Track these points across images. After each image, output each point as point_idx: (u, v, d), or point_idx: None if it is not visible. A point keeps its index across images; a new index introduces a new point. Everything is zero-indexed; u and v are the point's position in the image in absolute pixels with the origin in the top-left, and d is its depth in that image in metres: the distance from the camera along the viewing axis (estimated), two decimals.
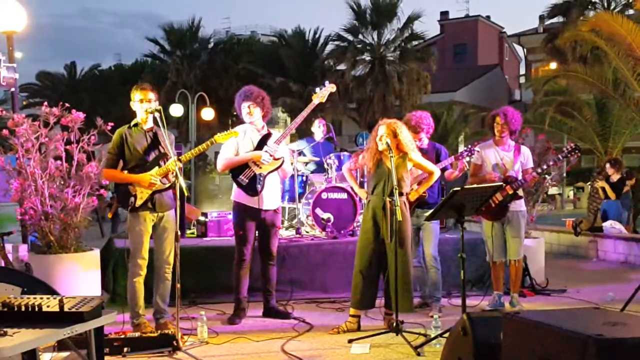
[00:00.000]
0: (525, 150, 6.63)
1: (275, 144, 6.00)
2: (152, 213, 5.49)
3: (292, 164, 7.54)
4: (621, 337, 3.05)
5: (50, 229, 6.17)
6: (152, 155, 5.50)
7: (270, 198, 6.10)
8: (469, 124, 27.99)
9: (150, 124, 5.53)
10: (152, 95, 5.49)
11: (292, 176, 8.26)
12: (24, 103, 32.19)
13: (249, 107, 6.02)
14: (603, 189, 12.18)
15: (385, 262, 5.60)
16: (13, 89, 7.00)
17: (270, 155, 5.95)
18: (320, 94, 6.18)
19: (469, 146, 6.72)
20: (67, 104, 6.40)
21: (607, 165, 12.51)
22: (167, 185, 5.47)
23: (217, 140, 5.63)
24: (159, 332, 5.17)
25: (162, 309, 5.61)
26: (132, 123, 5.56)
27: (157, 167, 5.44)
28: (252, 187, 5.97)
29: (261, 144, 6.02)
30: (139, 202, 5.41)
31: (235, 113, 26.89)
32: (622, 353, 2.96)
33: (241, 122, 6.23)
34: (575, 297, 7.27)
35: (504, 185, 6.22)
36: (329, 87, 6.22)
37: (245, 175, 5.96)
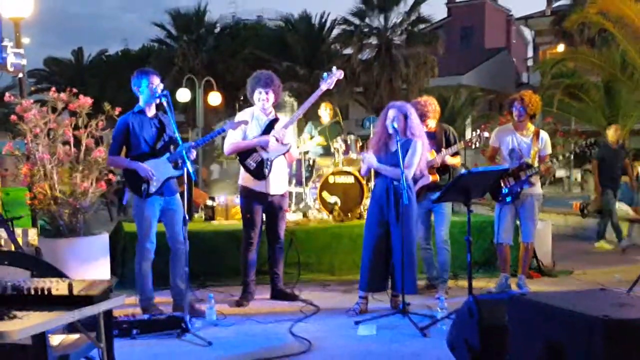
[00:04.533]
0: (544, 136, 6.53)
1: (282, 129, 6.00)
2: (159, 197, 5.52)
3: (298, 147, 7.55)
4: (628, 318, 3.06)
5: (60, 213, 6.21)
6: (161, 142, 5.51)
7: (278, 182, 6.11)
8: (476, 107, 27.92)
9: (153, 110, 5.54)
10: (158, 80, 5.50)
11: (299, 160, 8.27)
12: (32, 89, 32.20)
13: (266, 93, 6.01)
14: None
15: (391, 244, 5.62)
16: (21, 75, 7.03)
17: (278, 141, 5.96)
18: (328, 81, 6.14)
19: (478, 131, 6.69)
20: (74, 90, 6.42)
21: None
22: (180, 172, 5.46)
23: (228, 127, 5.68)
24: (168, 314, 5.22)
25: (183, 291, 5.61)
26: (136, 110, 5.56)
27: (168, 154, 5.46)
28: (260, 171, 5.98)
29: (268, 128, 6.03)
30: (153, 189, 5.43)
31: (242, 97, 26.93)
32: (629, 334, 2.97)
33: (248, 107, 6.23)
34: (582, 278, 7.28)
35: (510, 169, 6.22)
36: (337, 74, 6.16)
37: (253, 159, 5.97)
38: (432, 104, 6.45)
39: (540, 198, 6.63)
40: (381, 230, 5.62)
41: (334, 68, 6.26)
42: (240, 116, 6.12)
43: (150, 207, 5.49)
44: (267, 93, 6.02)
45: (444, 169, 6.44)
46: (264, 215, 6.18)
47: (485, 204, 8.74)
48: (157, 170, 5.43)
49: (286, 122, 6.08)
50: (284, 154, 6.07)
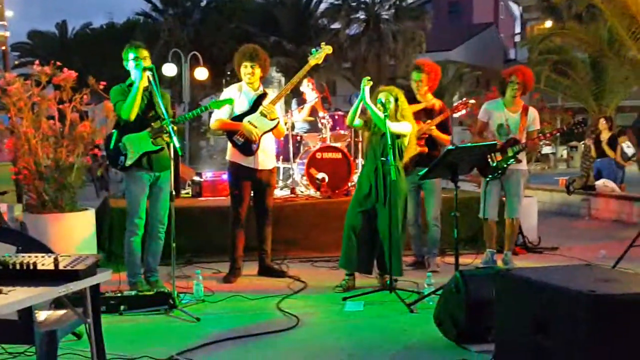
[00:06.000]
0: (532, 112, 6.53)
1: (271, 104, 5.96)
2: (149, 173, 5.47)
3: (285, 124, 7.52)
4: (613, 293, 3.09)
5: (45, 188, 6.17)
6: (148, 115, 5.44)
7: (266, 158, 6.09)
8: (464, 83, 27.94)
9: (145, 82, 5.47)
10: (146, 53, 5.44)
11: (287, 136, 8.24)
12: (16, 62, 31.84)
13: (252, 67, 5.95)
14: (596, 146, 12.19)
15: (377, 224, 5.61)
16: (4, 47, 6.93)
17: (265, 116, 5.91)
18: (316, 56, 6.10)
19: (464, 99, 6.64)
20: (58, 63, 6.34)
21: (602, 120, 12.48)
22: (158, 147, 5.42)
23: (213, 106, 5.62)
24: (156, 290, 5.20)
25: (153, 268, 5.64)
26: (128, 82, 5.49)
27: (149, 128, 5.40)
28: (248, 147, 5.95)
29: (256, 104, 5.98)
30: (128, 162, 5.39)
31: (229, 72, 26.82)
32: (614, 309, 3.00)
33: (239, 81, 6.18)
34: (568, 255, 7.32)
35: (498, 144, 6.22)
36: (325, 49, 6.11)
37: (241, 135, 5.94)
38: (435, 69, 6.45)
39: (526, 174, 6.66)
40: (368, 210, 5.61)
41: (323, 43, 6.21)
42: (227, 92, 6.07)
43: (137, 182, 5.45)
44: (252, 67, 5.96)
45: (433, 143, 6.40)
46: (252, 191, 6.16)
47: (472, 180, 8.75)
48: (135, 144, 5.39)
49: (273, 98, 6.03)
50: (271, 129, 6.04)
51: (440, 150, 6.53)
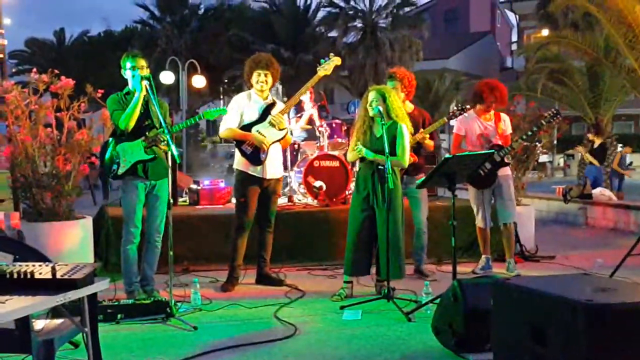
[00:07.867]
0: (504, 118, 6.73)
1: (280, 114, 5.97)
2: (144, 181, 5.47)
3: (290, 132, 7.53)
4: (610, 302, 3.09)
5: (42, 196, 6.16)
6: (143, 124, 5.44)
7: (274, 167, 6.10)
8: (461, 91, 27.98)
9: (144, 92, 5.47)
10: (143, 62, 5.44)
11: None
12: (13, 70, 31.84)
13: (265, 76, 5.97)
14: (592, 154, 12.24)
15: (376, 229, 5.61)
16: (1, 55, 6.94)
17: (274, 126, 5.92)
18: (325, 67, 6.13)
19: (460, 104, 6.69)
20: (56, 71, 6.35)
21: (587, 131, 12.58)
22: (150, 157, 5.41)
23: (206, 116, 5.61)
24: (153, 299, 5.19)
25: (149, 276, 5.63)
26: (125, 91, 5.49)
27: (143, 136, 5.39)
28: (256, 157, 5.95)
29: (265, 113, 6.00)
30: (120, 170, 5.39)
31: (226, 80, 26.85)
32: (611, 318, 3.00)
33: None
34: (565, 263, 7.32)
35: (494, 152, 6.25)
36: (334, 60, 6.14)
37: (249, 144, 5.94)
38: (408, 75, 6.40)
39: (511, 178, 6.81)
40: (366, 214, 5.61)
41: (331, 54, 6.25)
42: (236, 99, 6.09)
43: (133, 191, 5.44)
44: (265, 75, 5.98)
45: (417, 151, 6.42)
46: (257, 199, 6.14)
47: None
48: (128, 153, 5.38)
49: (283, 108, 6.05)
50: (281, 139, 6.05)
51: (424, 157, 6.60)
